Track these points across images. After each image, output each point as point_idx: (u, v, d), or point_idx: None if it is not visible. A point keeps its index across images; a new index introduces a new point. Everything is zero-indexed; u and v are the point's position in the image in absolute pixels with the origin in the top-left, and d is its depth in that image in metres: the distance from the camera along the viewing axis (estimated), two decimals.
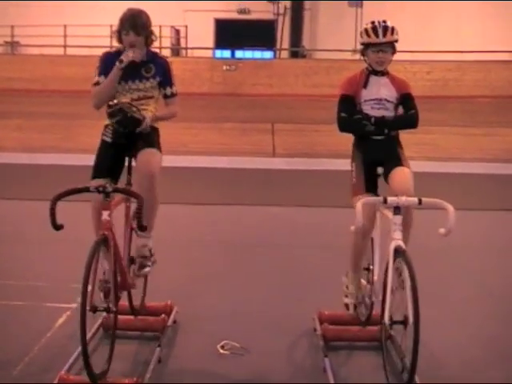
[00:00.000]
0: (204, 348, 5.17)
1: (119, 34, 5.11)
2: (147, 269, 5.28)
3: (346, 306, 5.32)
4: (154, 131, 5.25)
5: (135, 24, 5.03)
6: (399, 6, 25.10)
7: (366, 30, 5.09)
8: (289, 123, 18.08)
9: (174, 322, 5.55)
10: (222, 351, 5.11)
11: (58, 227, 4.41)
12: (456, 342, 5.44)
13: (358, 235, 5.06)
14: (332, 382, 4.64)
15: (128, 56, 5.05)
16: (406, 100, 5.17)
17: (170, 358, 5.02)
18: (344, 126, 5.17)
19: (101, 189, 4.59)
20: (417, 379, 4.43)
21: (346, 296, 5.33)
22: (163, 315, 5.41)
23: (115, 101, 4.97)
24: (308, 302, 6.04)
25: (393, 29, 5.07)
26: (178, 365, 4.96)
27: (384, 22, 5.09)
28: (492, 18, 25.64)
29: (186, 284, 6.63)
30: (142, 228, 4.78)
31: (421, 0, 25.76)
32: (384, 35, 5.03)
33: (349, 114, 5.13)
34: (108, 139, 5.20)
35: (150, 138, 5.17)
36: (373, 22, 5.12)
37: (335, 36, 24.41)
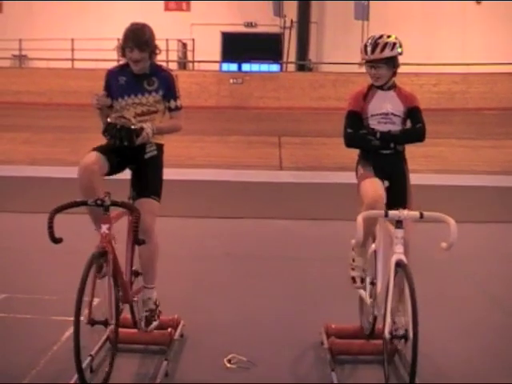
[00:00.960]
0: (211, 362, 5.15)
1: (123, 50, 5.08)
2: (155, 323, 5.24)
3: (353, 279, 5.20)
4: (159, 153, 5.22)
5: (139, 41, 4.98)
6: (405, 18, 25.15)
7: (364, 46, 5.10)
8: (295, 136, 18.10)
9: (181, 335, 5.54)
10: (228, 365, 5.09)
11: (56, 240, 4.42)
12: (463, 353, 5.42)
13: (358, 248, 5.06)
14: None
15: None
16: (413, 113, 5.16)
17: (176, 372, 5.01)
18: (350, 141, 5.18)
19: (99, 202, 4.59)
20: None
21: (353, 269, 5.23)
22: (170, 329, 5.39)
23: (108, 119, 4.98)
24: (315, 315, 6.02)
25: (385, 45, 5.02)
26: (184, 379, 4.94)
27: (380, 37, 5.06)
28: (498, 31, 25.63)
29: (192, 297, 6.62)
30: (139, 242, 4.78)
31: (427, 13, 25.82)
32: (372, 52, 5.02)
33: (355, 129, 5.14)
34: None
35: (152, 175, 5.14)
36: (370, 38, 5.14)
37: (341, 49, 24.45)
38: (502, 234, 9.65)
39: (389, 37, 5.07)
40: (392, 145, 5.09)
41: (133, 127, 4.94)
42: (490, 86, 22.67)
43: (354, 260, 5.26)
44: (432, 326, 5.51)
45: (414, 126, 5.16)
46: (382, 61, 5.04)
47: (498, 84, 22.69)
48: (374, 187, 4.97)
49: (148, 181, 5.13)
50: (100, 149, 5.05)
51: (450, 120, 19.92)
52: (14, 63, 26.47)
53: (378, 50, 5.01)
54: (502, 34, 25.47)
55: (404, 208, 4.82)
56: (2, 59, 24.88)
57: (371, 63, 5.05)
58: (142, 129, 4.95)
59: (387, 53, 5.02)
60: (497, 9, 25.32)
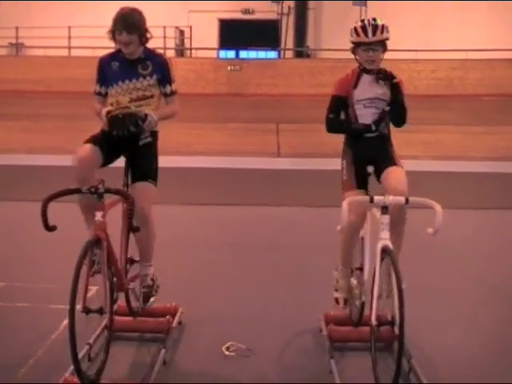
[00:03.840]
0: (209, 349, 5.16)
1: (113, 33, 5.09)
2: (152, 299, 5.28)
3: (336, 300, 5.26)
4: (153, 141, 5.21)
5: (127, 23, 5.00)
6: (404, 5, 25.04)
7: (356, 29, 5.03)
8: (293, 123, 18.06)
9: (179, 323, 5.54)
10: (227, 353, 5.09)
11: (50, 228, 4.40)
12: (462, 344, 5.42)
13: (345, 234, 5.04)
14: (338, 383, 4.62)
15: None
16: (394, 89, 5.12)
17: (174, 360, 5.01)
18: (331, 127, 5.20)
19: (93, 190, 4.57)
20: (424, 380, 4.46)
21: (336, 290, 5.28)
22: (168, 316, 5.39)
23: (107, 114, 4.96)
24: (314, 302, 6.01)
25: (383, 27, 5.00)
26: (182, 366, 4.94)
27: (374, 19, 5.04)
28: (496, 16, 25.59)
29: (190, 285, 6.61)
30: (134, 229, 4.78)
31: None
32: (373, 34, 4.97)
33: (336, 114, 5.15)
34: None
35: (147, 160, 5.13)
36: (362, 21, 5.08)
37: (339, 35, 24.15)
38: (500, 221, 9.64)
39: (374, 19, 5.05)
40: (374, 127, 5.05)
41: (137, 113, 4.94)
42: (489, 72, 22.64)
43: (337, 281, 5.27)
44: (428, 316, 5.53)
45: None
46: (380, 43, 5.02)
47: (496, 70, 22.66)
48: (355, 208, 4.86)
49: (144, 166, 5.13)
50: (94, 140, 5.05)
51: (448, 106, 19.88)
52: (11, 51, 26.39)
53: (379, 31, 4.98)
54: (501, 21, 25.42)
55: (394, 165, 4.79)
56: None
57: (369, 46, 5.00)
58: (145, 115, 4.95)
59: (385, 34, 5.01)
60: None
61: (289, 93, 22.28)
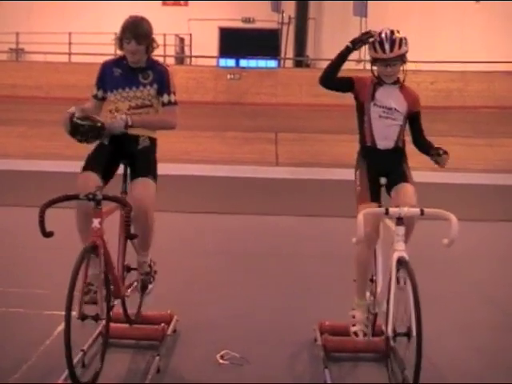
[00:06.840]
0: (203, 357, 5.13)
1: (120, 41, 5.07)
2: (150, 286, 5.28)
3: (355, 333, 5.04)
4: (152, 146, 5.20)
5: (137, 33, 4.97)
6: (404, 15, 25.09)
7: (374, 45, 4.91)
8: (292, 132, 18.06)
9: (174, 331, 5.53)
10: (221, 361, 5.07)
11: (47, 234, 4.40)
12: (459, 352, 5.40)
13: (361, 246, 4.90)
14: None
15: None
16: (415, 119, 5.11)
17: (168, 368, 4.98)
18: (323, 74, 5.47)
19: (91, 196, 4.56)
20: None
21: (354, 325, 5.07)
22: (163, 324, 5.37)
23: (71, 117, 4.95)
24: (309, 312, 6.01)
25: (401, 41, 4.85)
26: (176, 374, 4.92)
27: (392, 33, 4.88)
28: (496, 29, 25.63)
29: (186, 293, 6.60)
30: (131, 236, 4.77)
31: (426, 10, 25.81)
32: (391, 50, 4.84)
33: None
34: (105, 141, 5.15)
35: (146, 160, 5.12)
36: (380, 34, 4.91)
37: (339, 45, 24.08)
38: (496, 233, 9.65)
39: (392, 32, 4.90)
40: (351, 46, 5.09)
41: (98, 124, 4.93)
42: (488, 85, 22.65)
43: (354, 316, 5.10)
44: (428, 325, 5.49)
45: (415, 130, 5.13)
46: (399, 57, 4.90)
47: (495, 82, 22.67)
48: (370, 220, 4.77)
49: (143, 165, 5.10)
50: (90, 165, 5.01)
51: (446, 118, 19.89)
52: (11, 57, 26.40)
53: (397, 46, 4.85)
54: (500, 33, 25.47)
55: (405, 181, 4.80)
56: None
57: (386, 61, 4.89)
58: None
59: (404, 48, 4.88)
60: (495, 8, 25.31)
61: (288, 102, 22.27)
